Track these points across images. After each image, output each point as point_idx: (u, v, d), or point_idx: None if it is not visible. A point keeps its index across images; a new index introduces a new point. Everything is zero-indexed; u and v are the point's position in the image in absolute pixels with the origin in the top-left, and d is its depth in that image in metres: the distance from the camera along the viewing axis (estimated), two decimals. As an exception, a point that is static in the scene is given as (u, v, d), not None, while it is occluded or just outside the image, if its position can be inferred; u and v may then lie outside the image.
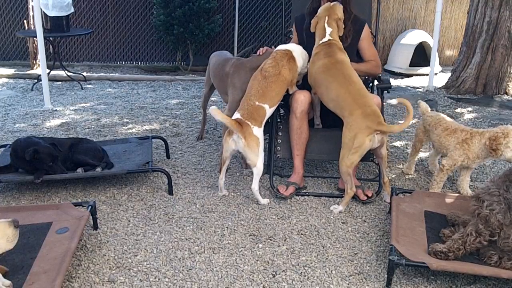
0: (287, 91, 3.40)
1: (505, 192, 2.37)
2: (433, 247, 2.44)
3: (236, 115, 3.17)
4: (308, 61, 3.40)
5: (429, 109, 3.72)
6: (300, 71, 3.42)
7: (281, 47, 3.39)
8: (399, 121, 5.15)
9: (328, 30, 3.28)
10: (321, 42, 3.30)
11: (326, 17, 3.29)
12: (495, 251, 2.39)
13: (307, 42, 3.48)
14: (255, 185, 3.17)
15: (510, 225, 2.34)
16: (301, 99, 3.33)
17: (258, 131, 3.15)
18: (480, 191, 2.48)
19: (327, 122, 3.54)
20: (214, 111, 3.05)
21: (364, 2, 3.86)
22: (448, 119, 3.52)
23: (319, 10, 3.35)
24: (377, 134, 3.01)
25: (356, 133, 3.00)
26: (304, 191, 3.42)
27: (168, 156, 4.03)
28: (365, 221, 3.06)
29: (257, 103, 3.18)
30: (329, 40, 3.28)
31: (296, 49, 3.37)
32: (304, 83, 3.56)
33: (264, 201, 3.23)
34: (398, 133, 4.75)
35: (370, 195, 3.27)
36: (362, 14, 3.78)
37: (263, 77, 3.23)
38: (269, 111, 3.24)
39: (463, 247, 2.40)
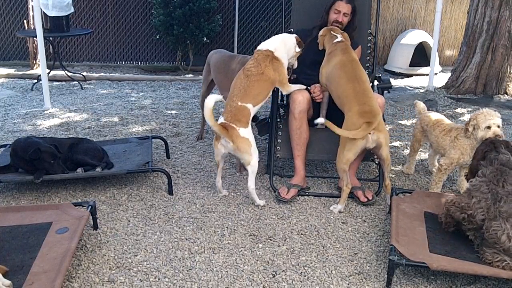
0: (280, 92, 3.38)
1: (495, 186, 2.43)
2: None
3: (221, 119, 3.12)
4: (300, 50, 3.41)
5: (426, 109, 3.73)
6: (289, 62, 3.39)
7: (263, 46, 3.29)
8: (399, 121, 5.16)
9: (338, 35, 3.39)
10: (334, 41, 3.35)
11: (330, 30, 3.42)
12: (490, 250, 2.41)
13: (306, 57, 3.53)
14: (251, 183, 3.15)
15: (494, 218, 2.39)
16: (299, 99, 3.33)
17: (245, 131, 3.09)
18: (472, 188, 2.53)
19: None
20: (207, 111, 2.95)
21: (364, 2, 3.86)
22: (446, 119, 3.53)
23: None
24: (370, 133, 3.01)
25: (350, 130, 3.01)
26: (308, 191, 3.42)
27: (168, 156, 4.02)
28: (365, 221, 3.06)
29: (239, 103, 3.11)
30: (341, 40, 3.36)
31: (278, 47, 3.27)
32: (303, 80, 3.57)
33: (261, 202, 3.21)
34: (398, 134, 4.76)
35: (370, 197, 3.27)
36: (362, 16, 3.80)
37: (245, 76, 3.17)
38: (253, 110, 3.17)
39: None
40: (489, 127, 3.06)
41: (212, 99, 3.00)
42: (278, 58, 3.24)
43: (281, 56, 3.26)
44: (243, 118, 3.10)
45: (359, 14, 3.78)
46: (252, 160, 3.11)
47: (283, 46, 3.30)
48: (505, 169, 2.49)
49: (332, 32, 3.40)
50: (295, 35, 3.40)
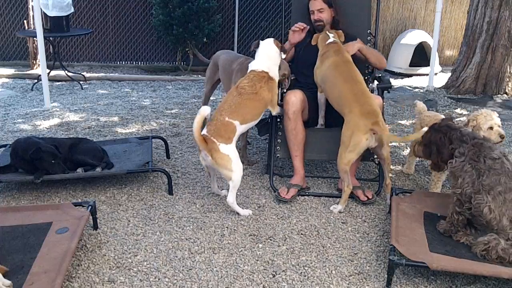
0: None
1: (476, 162, 2.51)
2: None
3: (204, 130, 3.06)
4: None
5: (426, 109, 3.73)
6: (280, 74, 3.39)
7: (256, 66, 3.24)
8: (399, 121, 5.16)
9: (331, 35, 3.40)
10: (327, 42, 3.36)
11: (325, 31, 3.46)
12: (480, 241, 2.48)
13: (305, 57, 3.55)
14: (229, 198, 3.05)
15: (477, 192, 2.48)
16: (292, 100, 3.34)
17: (226, 148, 2.99)
18: (455, 169, 2.58)
19: (328, 122, 3.54)
20: (200, 118, 2.93)
21: (364, 2, 3.86)
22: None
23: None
24: (374, 133, 3.01)
25: (353, 130, 3.01)
26: (308, 191, 3.42)
27: (168, 156, 4.03)
28: (365, 221, 3.06)
29: (226, 118, 3.05)
30: (334, 41, 3.37)
31: (270, 66, 3.24)
32: (301, 80, 3.57)
33: (245, 212, 3.11)
34: (398, 134, 4.76)
35: (370, 196, 3.27)
36: (362, 16, 3.80)
37: (238, 93, 3.13)
38: (240, 127, 3.09)
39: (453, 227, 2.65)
40: (491, 128, 3.07)
41: (208, 109, 2.99)
42: (273, 78, 3.24)
43: (275, 75, 3.27)
44: (225, 134, 3.01)
45: (359, 14, 3.79)
46: (232, 175, 3.00)
47: (273, 63, 3.27)
48: (480, 143, 2.57)
49: (326, 32, 3.43)
50: (273, 39, 3.35)
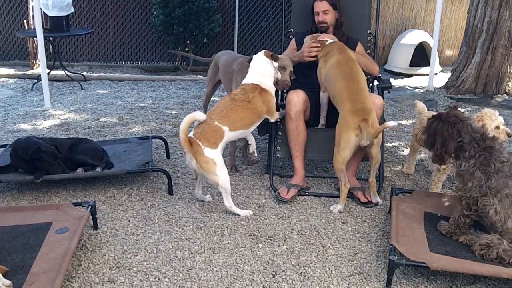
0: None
1: (485, 167, 2.48)
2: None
3: (191, 133, 3.03)
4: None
5: (426, 109, 3.74)
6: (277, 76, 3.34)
7: (248, 80, 3.20)
8: (399, 121, 5.16)
9: (329, 38, 3.39)
10: (327, 43, 3.35)
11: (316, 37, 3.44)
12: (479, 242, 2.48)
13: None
14: (226, 203, 3.04)
15: (485, 195, 2.47)
16: (295, 100, 3.33)
17: (211, 152, 2.95)
18: (464, 173, 2.54)
19: (329, 122, 3.54)
20: (188, 120, 2.92)
21: (364, 2, 3.86)
22: None
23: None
24: (361, 131, 3.01)
25: (343, 128, 3.02)
26: (308, 191, 3.42)
27: (168, 156, 4.03)
28: (365, 221, 3.06)
29: (216, 123, 3.01)
30: (334, 41, 3.36)
31: (261, 79, 3.19)
32: (302, 81, 3.57)
33: (247, 212, 3.11)
34: (398, 134, 4.76)
35: (370, 198, 3.27)
36: (362, 16, 3.80)
37: (231, 99, 3.12)
38: (228, 134, 3.05)
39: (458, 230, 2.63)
40: (497, 127, 3.08)
41: (203, 116, 2.98)
42: (266, 89, 3.20)
43: (268, 86, 3.23)
44: (212, 139, 2.98)
45: (359, 14, 3.79)
46: (219, 180, 2.97)
47: (264, 76, 3.22)
48: (491, 147, 2.50)
49: (318, 39, 3.39)
50: (263, 51, 3.31)
